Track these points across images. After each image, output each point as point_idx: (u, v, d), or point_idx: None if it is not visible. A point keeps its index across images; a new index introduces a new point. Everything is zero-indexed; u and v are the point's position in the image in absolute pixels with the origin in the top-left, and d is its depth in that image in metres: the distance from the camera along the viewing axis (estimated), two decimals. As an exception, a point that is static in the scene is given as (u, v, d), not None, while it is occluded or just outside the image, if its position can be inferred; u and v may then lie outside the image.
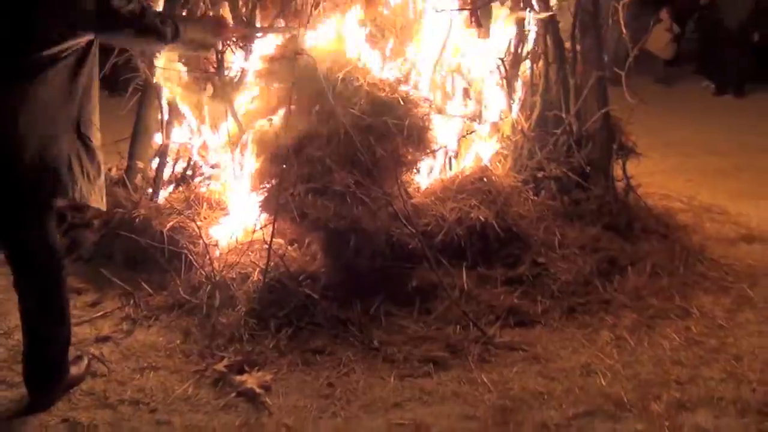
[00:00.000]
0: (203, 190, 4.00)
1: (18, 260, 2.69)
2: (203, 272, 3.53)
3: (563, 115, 4.28)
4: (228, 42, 3.50)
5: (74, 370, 2.90)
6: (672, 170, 5.83)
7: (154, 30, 2.75)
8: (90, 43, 2.58)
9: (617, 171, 4.38)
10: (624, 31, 4.39)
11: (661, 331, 3.42)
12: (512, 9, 4.24)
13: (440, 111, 4.05)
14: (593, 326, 3.45)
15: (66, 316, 2.79)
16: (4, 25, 2.43)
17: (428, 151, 3.83)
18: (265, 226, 3.58)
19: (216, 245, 3.71)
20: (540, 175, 4.15)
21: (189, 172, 4.05)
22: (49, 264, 2.69)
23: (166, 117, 4.04)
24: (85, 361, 3.03)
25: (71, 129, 2.56)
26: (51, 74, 2.47)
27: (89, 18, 2.52)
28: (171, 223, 3.74)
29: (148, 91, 4.03)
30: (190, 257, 3.61)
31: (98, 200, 2.72)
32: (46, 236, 2.65)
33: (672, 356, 3.22)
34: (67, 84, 2.52)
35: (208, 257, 3.58)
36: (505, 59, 4.31)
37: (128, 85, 4.25)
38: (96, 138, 2.69)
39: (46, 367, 2.78)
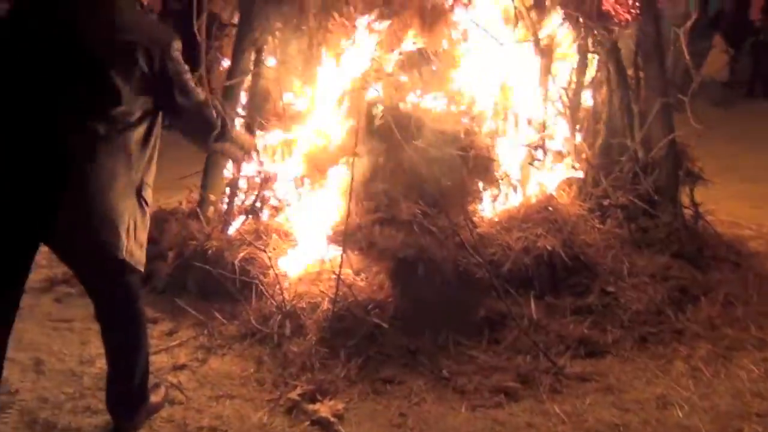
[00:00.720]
0: (273, 221, 4.09)
1: (95, 299, 2.77)
2: (274, 302, 3.61)
3: (627, 142, 4.26)
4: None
5: (154, 398, 2.98)
6: (738, 196, 5.71)
7: (211, 122, 2.79)
8: (158, 112, 2.64)
9: (684, 198, 4.34)
10: (687, 56, 4.38)
11: (738, 362, 3.34)
12: (574, 38, 4.25)
13: (504, 141, 4.08)
14: (667, 357, 3.39)
15: (144, 346, 2.86)
16: (90, 92, 2.46)
17: (493, 181, 3.85)
18: (334, 257, 3.65)
19: (285, 275, 3.79)
20: (606, 203, 4.13)
21: (258, 204, 4.16)
22: (125, 302, 2.75)
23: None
24: (163, 390, 3.11)
25: (133, 193, 2.60)
26: (125, 139, 2.52)
27: (166, 93, 2.58)
28: (242, 254, 3.84)
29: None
30: (261, 287, 3.70)
31: (141, 260, 2.70)
32: (117, 282, 2.67)
33: (751, 388, 3.14)
34: (137, 151, 2.57)
35: (278, 287, 3.66)
36: (567, 87, 4.32)
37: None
38: (150, 200, 2.72)
39: (129, 394, 2.86)
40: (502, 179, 3.97)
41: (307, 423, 2.94)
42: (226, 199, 4.20)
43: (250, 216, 4.13)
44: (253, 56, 4.17)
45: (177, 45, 2.58)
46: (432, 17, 3.87)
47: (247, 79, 4.23)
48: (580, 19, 4.09)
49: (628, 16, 4.06)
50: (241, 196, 4.24)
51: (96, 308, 2.79)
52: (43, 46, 2.44)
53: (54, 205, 2.47)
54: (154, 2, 10.21)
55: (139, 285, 2.77)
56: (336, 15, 3.92)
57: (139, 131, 2.55)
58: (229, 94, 4.18)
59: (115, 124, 2.48)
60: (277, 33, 4.08)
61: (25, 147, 2.48)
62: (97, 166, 2.48)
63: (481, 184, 3.86)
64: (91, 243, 2.55)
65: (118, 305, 2.74)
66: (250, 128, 4.12)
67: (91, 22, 2.46)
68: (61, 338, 3.61)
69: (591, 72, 4.39)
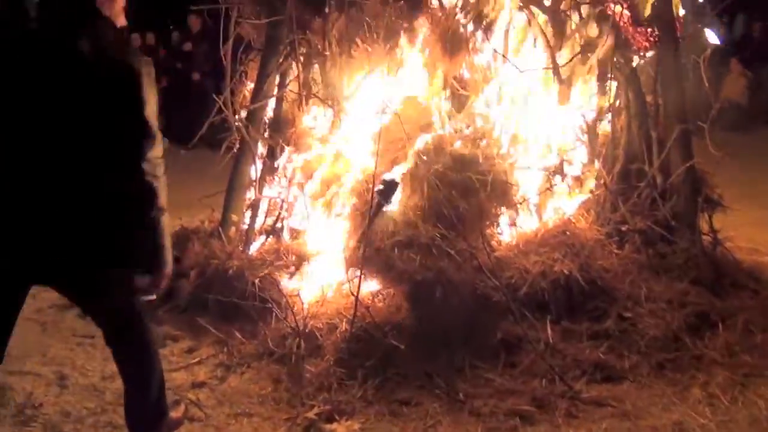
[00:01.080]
0: (293, 242, 4.15)
1: (99, 325, 2.71)
2: (292, 322, 3.65)
3: (646, 168, 4.28)
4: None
5: (174, 414, 2.99)
6: (759, 223, 5.65)
7: (154, 180, 2.42)
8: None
9: (703, 224, 4.34)
10: (706, 84, 4.41)
11: (756, 389, 3.32)
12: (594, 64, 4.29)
13: (522, 165, 4.13)
14: (684, 383, 3.38)
15: (155, 365, 2.78)
16: (71, 114, 2.34)
17: (511, 205, 3.89)
18: (353, 278, 3.69)
19: (304, 296, 3.84)
20: (624, 228, 4.14)
21: (279, 225, 4.23)
22: (128, 327, 2.67)
23: (259, 173, 4.25)
24: (183, 406, 3.15)
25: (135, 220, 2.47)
26: (120, 163, 2.40)
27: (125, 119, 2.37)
28: (262, 274, 3.90)
29: (244, 148, 4.26)
30: (279, 308, 3.75)
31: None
32: (116, 309, 2.59)
33: (769, 416, 3.13)
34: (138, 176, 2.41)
35: (296, 307, 3.72)
36: (586, 114, 4.36)
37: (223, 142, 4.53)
38: None
39: (146, 411, 2.82)
40: (520, 203, 4.00)
41: (324, 443, 2.98)
42: (248, 220, 4.27)
43: (271, 237, 4.19)
44: (277, 80, 4.27)
45: (148, 71, 2.39)
46: (453, 43, 3.93)
47: (271, 103, 4.32)
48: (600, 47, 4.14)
49: (647, 44, 4.09)
50: (261, 216, 4.31)
51: (103, 333, 2.73)
52: (20, 69, 2.31)
53: (45, 237, 2.35)
54: (194, 23, 10.44)
55: (142, 309, 2.68)
56: (359, 41, 4.01)
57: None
58: (253, 117, 4.27)
59: (99, 148, 2.34)
60: (301, 58, 4.17)
61: (11, 181, 2.35)
62: (86, 193, 2.36)
63: (499, 208, 3.88)
64: (80, 275, 2.45)
65: (122, 331, 2.68)
66: (272, 151, 4.21)
67: (70, 44, 2.32)
68: (84, 353, 3.69)
69: (610, 98, 4.42)
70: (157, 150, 2.40)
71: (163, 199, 2.43)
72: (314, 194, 4.18)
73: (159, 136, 2.39)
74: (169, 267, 2.53)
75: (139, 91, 2.34)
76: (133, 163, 2.37)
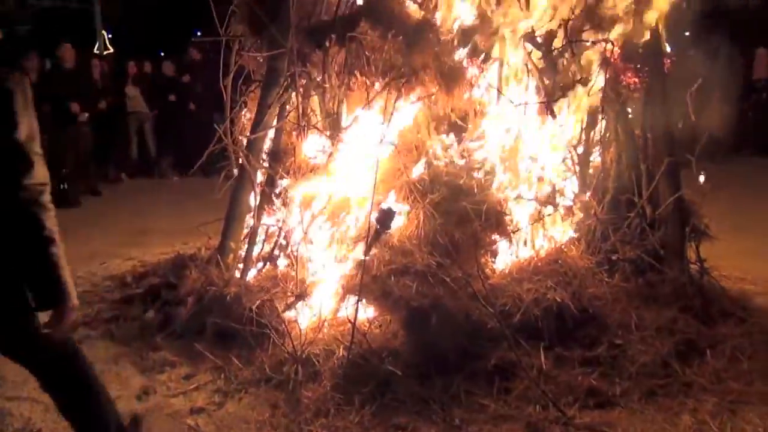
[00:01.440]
0: (290, 269, 4.21)
1: (27, 368, 2.54)
2: (290, 348, 3.70)
3: (635, 199, 4.40)
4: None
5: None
6: (745, 252, 5.77)
7: (35, 208, 2.20)
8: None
9: (690, 253, 4.44)
10: (693, 117, 4.54)
11: (744, 416, 3.39)
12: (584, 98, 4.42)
13: (515, 196, 4.23)
14: (674, 409, 3.44)
15: (95, 403, 2.61)
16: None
17: (505, 234, 3.98)
18: (350, 305, 3.76)
19: (301, 322, 3.89)
20: (614, 257, 4.24)
21: (276, 252, 4.29)
22: (51, 363, 2.47)
23: (257, 201, 4.33)
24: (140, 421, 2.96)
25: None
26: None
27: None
28: (259, 301, 3.95)
29: (243, 177, 4.34)
30: (276, 334, 3.80)
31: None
32: (23, 341, 2.41)
33: (756, 442, 3.19)
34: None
35: (294, 333, 3.77)
36: (576, 146, 4.48)
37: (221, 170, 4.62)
38: None
39: None
40: (513, 232, 4.09)
41: (322, 468, 3.01)
42: (245, 247, 4.33)
43: (268, 264, 4.25)
44: (276, 111, 4.36)
45: (22, 91, 2.21)
46: (450, 77, 4.05)
47: (270, 133, 4.41)
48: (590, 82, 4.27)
49: (636, 80, 4.23)
50: (260, 244, 4.37)
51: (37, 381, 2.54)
52: None
53: None
54: (195, 54, 10.55)
55: (69, 345, 2.52)
56: (358, 74, 4.11)
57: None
58: (252, 146, 4.35)
59: None
60: (301, 89, 4.27)
61: None
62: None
63: (493, 237, 3.97)
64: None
65: (49, 373, 2.49)
66: (271, 180, 4.29)
67: None
68: (82, 379, 3.70)
69: (600, 131, 4.54)
70: (36, 176, 2.19)
71: (50, 228, 2.22)
72: (312, 222, 4.25)
73: (38, 160, 2.20)
74: (69, 300, 2.29)
75: (8, 113, 2.16)
76: (6, 190, 2.17)
